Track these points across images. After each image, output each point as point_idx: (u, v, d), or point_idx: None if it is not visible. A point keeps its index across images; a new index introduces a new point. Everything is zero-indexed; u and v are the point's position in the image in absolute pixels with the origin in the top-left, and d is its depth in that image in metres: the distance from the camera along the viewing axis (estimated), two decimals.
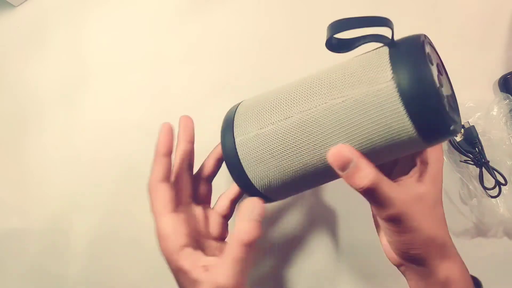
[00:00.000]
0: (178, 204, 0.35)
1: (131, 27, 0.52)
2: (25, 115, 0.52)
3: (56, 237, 0.52)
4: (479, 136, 0.48)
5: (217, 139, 0.39)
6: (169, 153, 0.35)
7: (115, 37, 0.52)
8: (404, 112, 0.28)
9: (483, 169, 0.47)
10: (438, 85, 0.28)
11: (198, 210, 0.38)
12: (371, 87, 0.29)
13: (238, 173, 0.34)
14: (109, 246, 0.52)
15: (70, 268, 0.52)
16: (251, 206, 0.31)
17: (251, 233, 0.30)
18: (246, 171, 0.34)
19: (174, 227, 0.33)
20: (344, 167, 0.30)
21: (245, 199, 0.33)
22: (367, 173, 0.30)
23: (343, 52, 0.32)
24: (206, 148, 0.41)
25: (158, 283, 0.50)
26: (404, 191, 0.32)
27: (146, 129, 0.51)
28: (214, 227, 0.39)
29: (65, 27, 0.52)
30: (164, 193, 0.34)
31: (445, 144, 0.49)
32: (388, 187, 0.31)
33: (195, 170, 0.40)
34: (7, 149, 0.52)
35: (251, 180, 0.34)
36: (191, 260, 0.32)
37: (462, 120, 0.49)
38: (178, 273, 0.33)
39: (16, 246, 0.52)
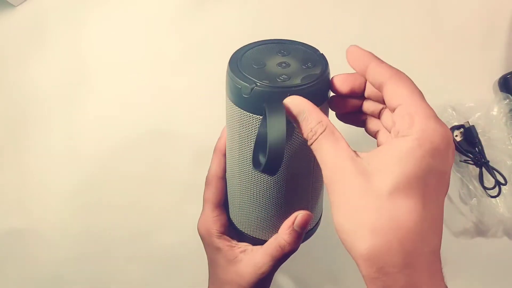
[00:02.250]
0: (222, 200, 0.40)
1: (131, 27, 0.52)
2: (25, 115, 0.52)
3: (56, 237, 0.52)
4: (479, 136, 0.48)
5: (216, 138, 0.39)
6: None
7: (115, 37, 0.52)
8: None
9: (483, 169, 0.47)
10: None
11: None
12: None
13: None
14: (110, 246, 0.52)
15: (70, 268, 0.52)
16: (295, 217, 0.34)
17: (291, 245, 0.34)
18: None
19: (219, 217, 0.38)
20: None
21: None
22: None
23: None
24: (207, 148, 0.41)
25: (158, 281, 0.50)
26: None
27: (146, 128, 0.51)
28: None
29: (65, 27, 0.52)
30: (218, 188, 0.39)
31: None
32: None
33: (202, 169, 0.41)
34: (7, 149, 0.52)
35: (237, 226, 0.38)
36: (229, 243, 0.38)
37: (462, 120, 0.49)
38: (216, 251, 0.38)
39: (16, 246, 0.52)
